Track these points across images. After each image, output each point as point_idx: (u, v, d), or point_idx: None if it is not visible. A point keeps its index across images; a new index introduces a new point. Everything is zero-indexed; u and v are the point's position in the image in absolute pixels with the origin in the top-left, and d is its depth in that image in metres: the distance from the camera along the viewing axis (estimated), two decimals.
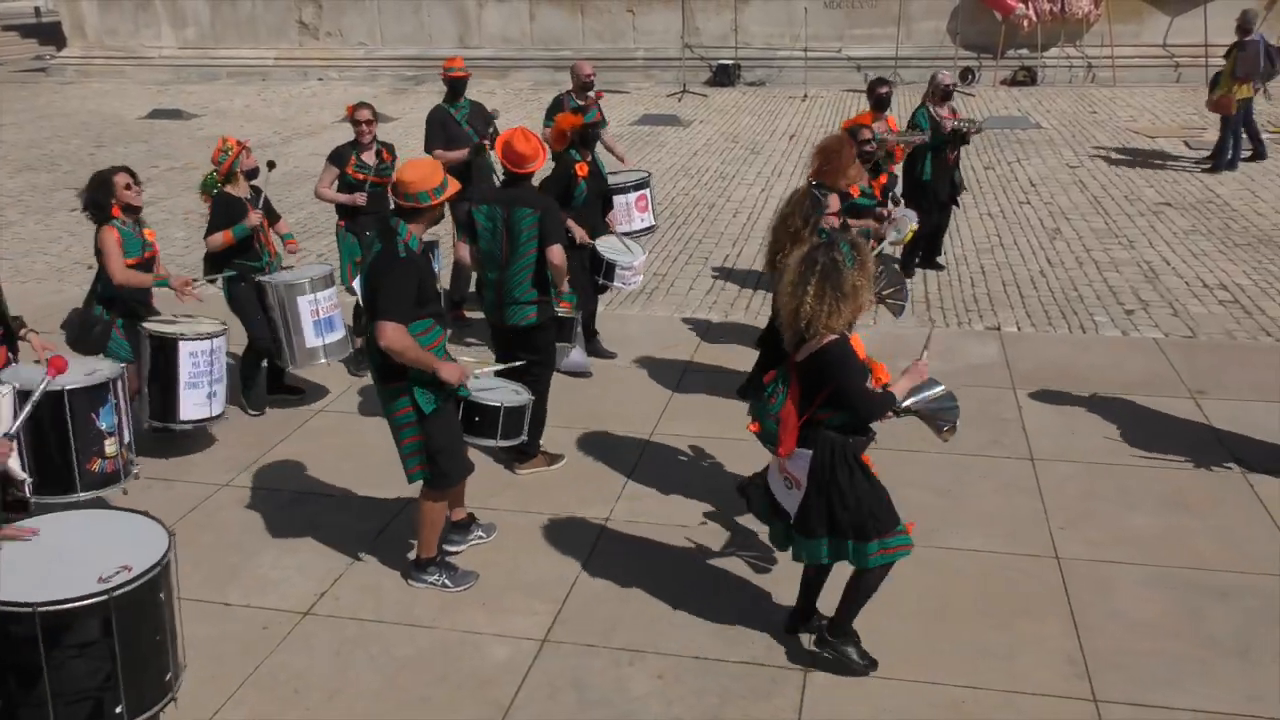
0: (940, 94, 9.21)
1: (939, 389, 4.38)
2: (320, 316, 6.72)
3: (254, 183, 6.84)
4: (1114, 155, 13.66)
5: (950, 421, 4.40)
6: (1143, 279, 9.10)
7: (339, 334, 6.87)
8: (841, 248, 3.99)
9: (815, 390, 4.00)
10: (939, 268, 9.44)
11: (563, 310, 6.47)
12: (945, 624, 4.65)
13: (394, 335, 4.50)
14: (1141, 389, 6.94)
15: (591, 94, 9.81)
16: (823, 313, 3.92)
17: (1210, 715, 4.09)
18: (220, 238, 6.62)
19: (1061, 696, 4.21)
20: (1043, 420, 6.56)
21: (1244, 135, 12.75)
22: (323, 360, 6.83)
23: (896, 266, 8.04)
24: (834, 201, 5.37)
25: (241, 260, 6.73)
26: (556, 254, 5.73)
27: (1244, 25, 12.60)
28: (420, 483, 4.88)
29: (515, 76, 21.34)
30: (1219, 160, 12.60)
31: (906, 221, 7.28)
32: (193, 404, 6.13)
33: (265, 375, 7.02)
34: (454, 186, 4.72)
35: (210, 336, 6.15)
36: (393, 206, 4.84)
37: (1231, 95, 12.41)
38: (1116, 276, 9.18)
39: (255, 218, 6.66)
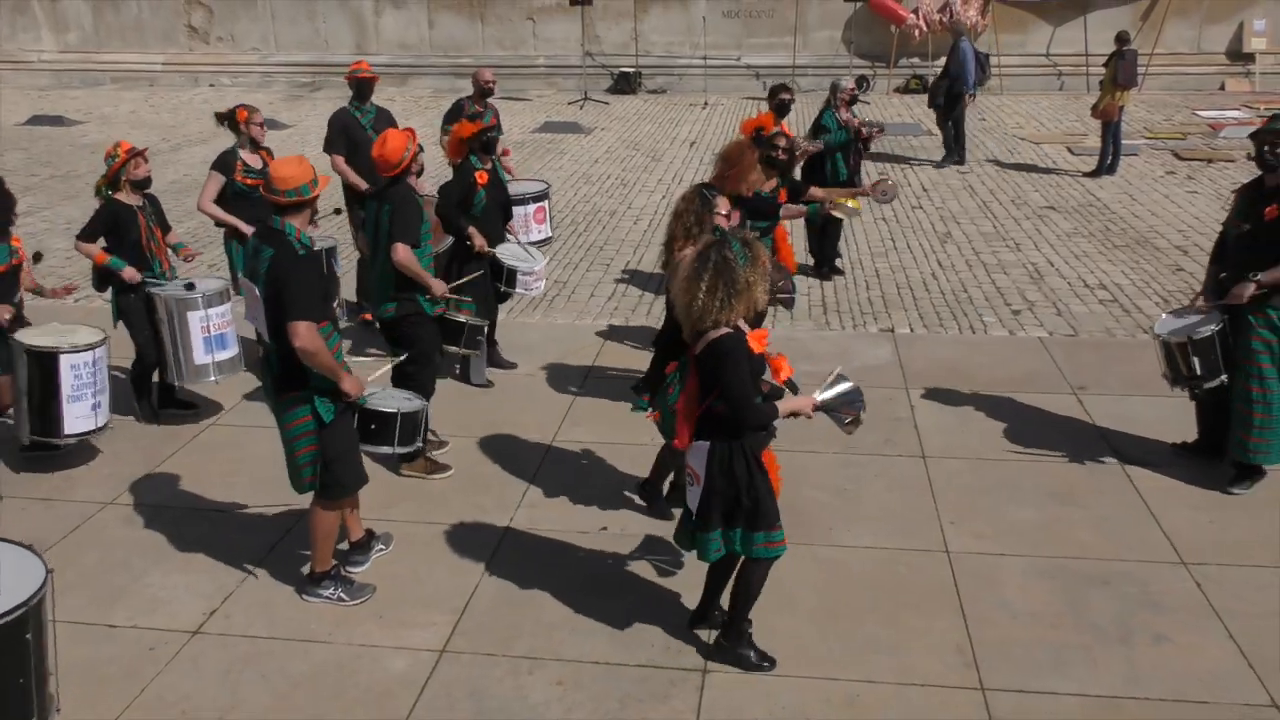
0: (843, 99, 9.45)
1: (846, 384, 4.30)
2: (211, 333, 6.51)
3: (148, 191, 6.63)
4: (1002, 161, 14.12)
5: (854, 414, 4.32)
6: (1029, 280, 9.42)
7: (231, 351, 6.66)
8: (733, 245, 4.03)
9: (712, 383, 4.03)
10: (839, 272, 9.62)
11: (462, 317, 6.44)
12: (840, 620, 4.73)
13: (307, 335, 4.40)
14: (1027, 386, 7.18)
15: (489, 100, 9.78)
16: (714, 307, 3.97)
17: (1093, 699, 4.25)
18: (94, 251, 6.40)
19: (951, 687, 4.32)
20: (934, 419, 6.73)
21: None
22: (212, 378, 6.62)
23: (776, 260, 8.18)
24: (722, 203, 5.43)
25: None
26: (396, 251, 5.74)
27: (1122, 37, 13.31)
28: (312, 495, 4.79)
29: (414, 83, 21.10)
30: (1102, 165, 13.15)
31: (892, 186, 7.49)
32: (76, 417, 5.94)
33: (157, 388, 6.81)
34: (315, 194, 4.61)
35: (91, 347, 5.95)
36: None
37: (1115, 102, 12.98)
38: (1004, 278, 9.48)
39: (132, 275, 6.43)
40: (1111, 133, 13.07)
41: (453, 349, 6.53)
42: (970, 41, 13.94)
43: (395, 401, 5.14)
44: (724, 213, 5.31)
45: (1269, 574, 5.03)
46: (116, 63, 22.55)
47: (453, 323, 6.35)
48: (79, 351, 5.89)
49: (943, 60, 20.01)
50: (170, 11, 22.39)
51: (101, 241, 6.47)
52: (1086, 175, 13.13)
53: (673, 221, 5.41)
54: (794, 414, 4.20)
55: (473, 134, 6.96)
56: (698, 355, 4.08)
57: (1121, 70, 12.96)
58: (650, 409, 4.56)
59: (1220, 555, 5.19)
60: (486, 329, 7.02)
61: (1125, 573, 5.07)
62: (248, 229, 7.18)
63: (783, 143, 7.23)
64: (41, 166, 14.81)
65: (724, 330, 4.00)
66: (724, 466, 4.07)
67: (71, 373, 5.87)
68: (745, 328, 4.10)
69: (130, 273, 6.44)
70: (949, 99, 13.99)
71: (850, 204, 8.16)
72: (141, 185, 6.55)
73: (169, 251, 6.81)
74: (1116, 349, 7.87)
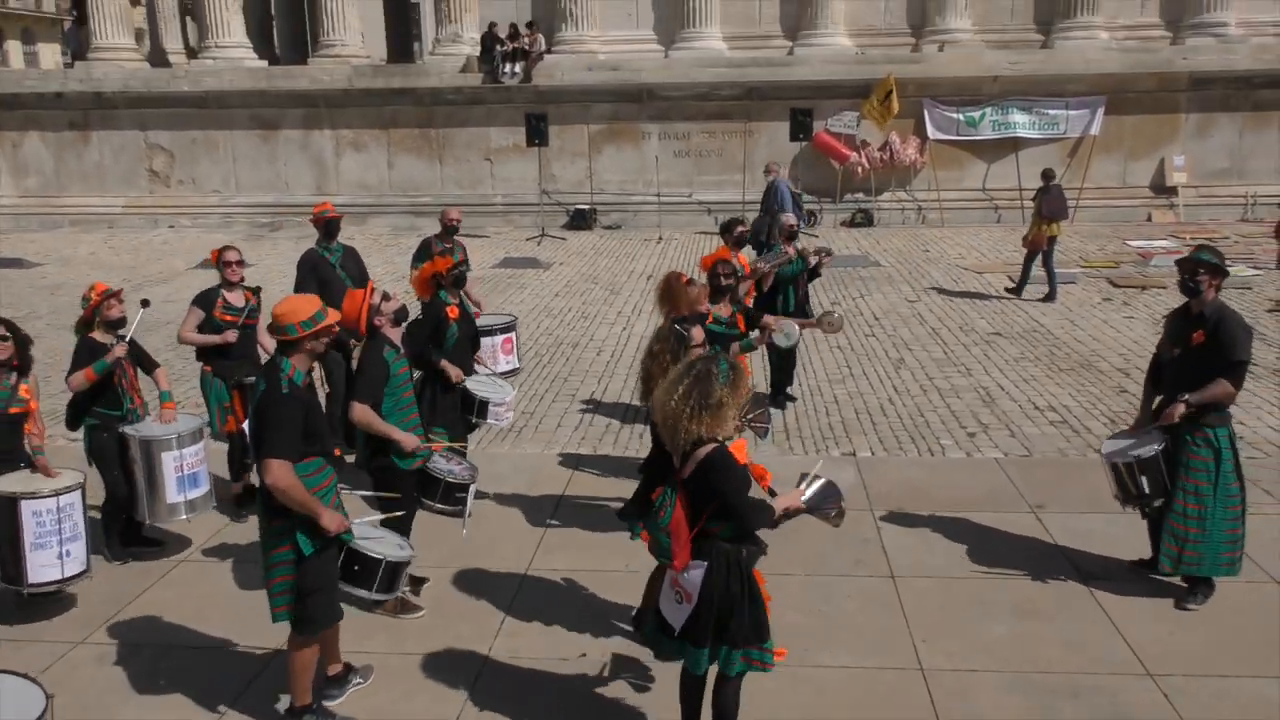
0: (786, 234, 9.78)
1: (820, 482, 4.41)
2: (185, 472, 6.50)
3: (121, 332, 6.66)
4: (947, 290, 14.69)
5: (837, 506, 4.43)
6: (981, 403, 9.74)
7: (203, 489, 6.66)
8: (721, 364, 4.16)
9: (703, 503, 4.11)
10: (789, 399, 9.85)
11: (441, 464, 6.44)
12: None
13: (279, 473, 4.48)
14: (988, 505, 7.39)
15: (456, 237, 10.11)
16: (685, 413, 4.04)
17: None
18: (81, 376, 6.43)
19: None
20: (900, 539, 6.89)
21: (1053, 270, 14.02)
22: (184, 516, 6.60)
23: (760, 392, 8.39)
24: (697, 333, 5.65)
25: (102, 409, 6.55)
26: (353, 410, 5.70)
27: (1047, 174, 14.39)
28: (288, 627, 4.80)
29: (374, 222, 21.55)
30: (1021, 286, 14.01)
31: (790, 325, 7.65)
32: (40, 565, 5.75)
33: (122, 524, 6.77)
34: (331, 318, 4.75)
35: (57, 494, 5.78)
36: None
37: (1044, 233, 13.76)
38: (958, 401, 9.80)
39: (120, 349, 6.51)
40: (1042, 261, 13.84)
41: (428, 502, 6.45)
42: (785, 181, 14.74)
43: (384, 546, 5.12)
44: (698, 342, 5.52)
45: (1232, 683, 5.18)
46: (76, 206, 22.85)
47: (432, 476, 6.31)
48: (42, 498, 5.73)
49: (886, 195, 21.01)
50: (132, 156, 22.85)
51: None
52: (1008, 291, 14.00)
53: (649, 361, 5.53)
54: (787, 512, 4.30)
55: (447, 269, 7.19)
56: (686, 477, 4.14)
57: (1046, 204, 13.84)
58: (638, 530, 4.64)
59: (1185, 666, 5.34)
60: (473, 488, 6.61)
61: (1095, 686, 5.19)
62: (223, 336, 7.30)
63: (724, 270, 7.50)
64: (3, 309, 14.79)
65: (709, 446, 4.07)
66: (720, 585, 4.12)
67: (33, 519, 5.70)
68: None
69: (120, 349, 6.51)
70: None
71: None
72: (115, 325, 6.60)
73: (165, 388, 6.82)
74: (1070, 468, 8.14)
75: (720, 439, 4.11)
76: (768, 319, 8.14)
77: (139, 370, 6.81)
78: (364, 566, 4.99)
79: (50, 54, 48.68)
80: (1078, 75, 20.33)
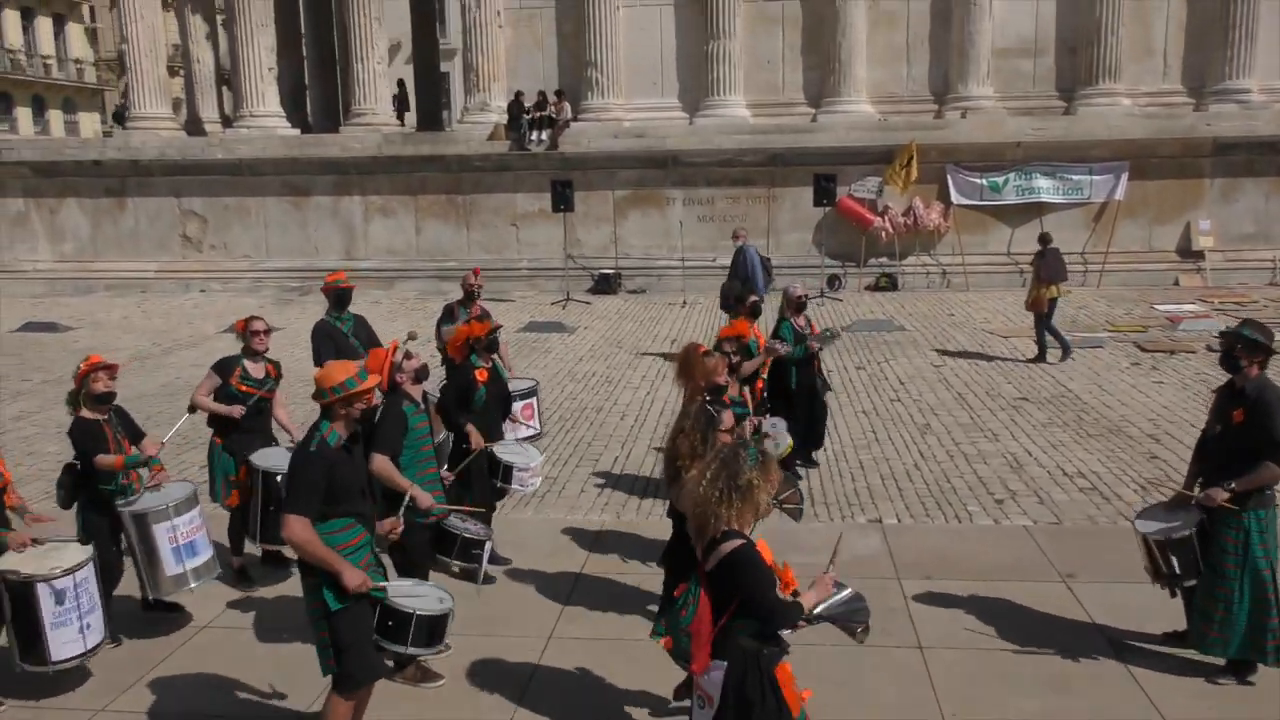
0: (794, 306, 9.68)
1: (847, 592, 4.36)
2: (180, 542, 6.41)
3: (116, 405, 6.55)
4: (973, 354, 14.62)
5: (863, 622, 4.38)
6: (1009, 469, 9.64)
7: (204, 556, 6.55)
8: (749, 449, 4.10)
9: (727, 599, 3.98)
10: (813, 463, 9.80)
11: (457, 523, 6.44)
12: None
13: (295, 528, 4.60)
14: (1016, 574, 7.27)
15: (479, 302, 10.21)
16: (714, 498, 3.96)
17: None
18: (110, 460, 6.31)
19: None
20: (927, 609, 6.78)
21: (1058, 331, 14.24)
22: (190, 586, 6.51)
23: (790, 473, 8.33)
24: (728, 418, 5.66)
25: (99, 484, 6.41)
26: (373, 461, 5.80)
27: (1044, 238, 14.69)
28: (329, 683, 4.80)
29: (401, 286, 21.79)
30: (1042, 353, 14.04)
31: (781, 433, 7.64)
32: (63, 643, 5.68)
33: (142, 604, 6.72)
34: (366, 384, 4.86)
35: (73, 569, 5.72)
36: None
37: (1043, 296, 13.96)
38: (985, 468, 9.70)
39: (152, 447, 6.48)
40: (1044, 324, 14.00)
41: (444, 559, 6.44)
42: (754, 248, 14.85)
43: (420, 601, 5.12)
44: (727, 426, 5.51)
45: None
46: (110, 271, 23.25)
47: (448, 532, 6.33)
48: (57, 578, 5.66)
49: (911, 259, 21.04)
50: (166, 223, 23.29)
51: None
52: (1029, 361, 13.97)
53: (677, 440, 5.49)
54: (810, 618, 4.15)
55: (483, 334, 7.28)
56: (710, 570, 4.02)
57: (1044, 267, 14.06)
58: (663, 635, 4.51)
59: None
60: (488, 545, 6.65)
61: None
62: (230, 410, 7.25)
63: (730, 347, 7.55)
64: (34, 372, 15.04)
65: (736, 541, 3.97)
66: (738, 689, 3.97)
67: (51, 599, 5.65)
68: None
69: (154, 447, 6.51)
70: (741, 302, 14.49)
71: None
72: (102, 400, 6.38)
73: (153, 454, 6.65)
74: (1100, 537, 8.01)
75: (748, 535, 4.02)
76: (755, 421, 8.04)
77: (131, 442, 6.62)
78: (397, 621, 5.02)
79: (90, 123, 49.90)
80: (1101, 141, 20.41)
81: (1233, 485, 5.65)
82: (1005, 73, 21.96)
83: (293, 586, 7.21)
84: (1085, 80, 21.58)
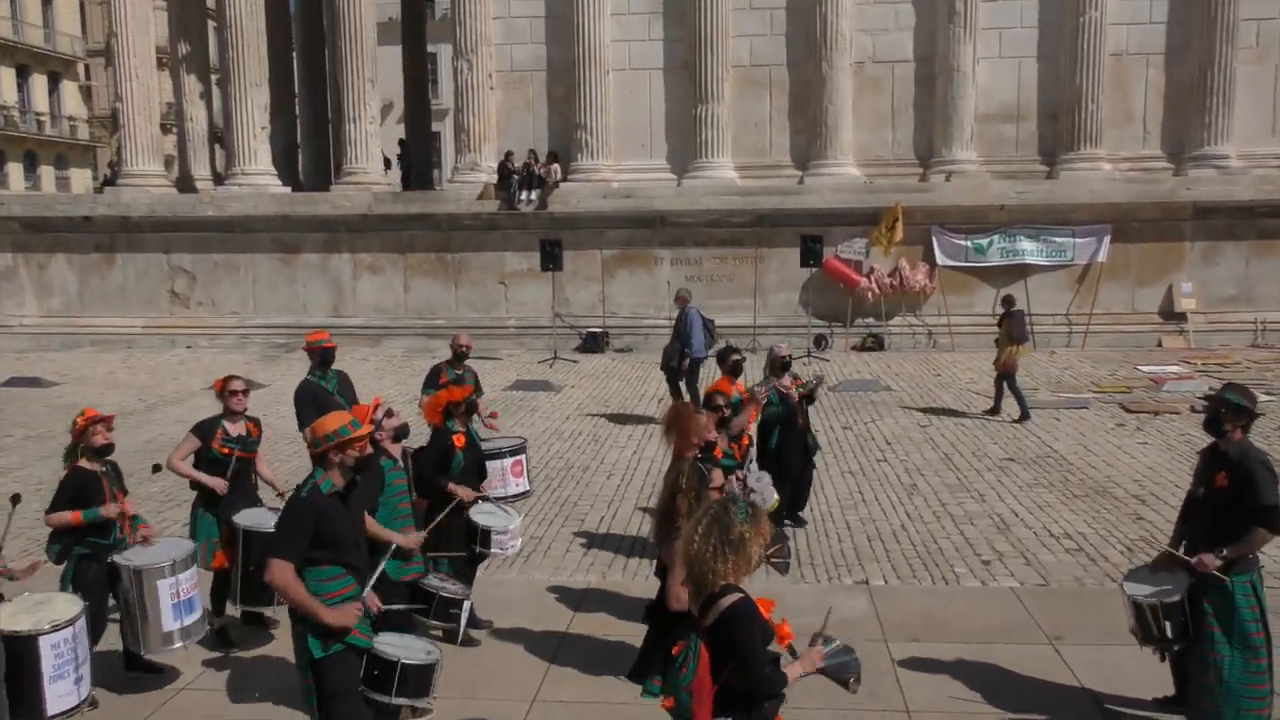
0: (779, 366, 9.67)
1: (838, 644, 4.33)
2: (181, 598, 6.37)
3: (110, 459, 6.57)
4: (959, 414, 14.66)
5: (855, 673, 4.34)
6: (996, 530, 9.62)
7: (197, 614, 6.52)
8: (738, 504, 4.11)
9: (726, 655, 3.95)
10: (801, 522, 9.77)
11: (435, 581, 6.37)
12: None
13: (277, 571, 4.63)
14: (1004, 637, 7.22)
15: (466, 362, 10.23)
16: (709, 553, 3.96)
17: None
18: (67, 517, 6.29)
19: None
20: (915, 672, 6.72)
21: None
22: (179, 644, 6.44)
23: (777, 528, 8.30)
24: (717, 476, 5.66)
25: (93, 538, 6.40)
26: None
27: (1007, 300, 15.25)
28: None
29: (388, 344, 21.80)
30: (997, 407, 14.54)
31: (768, 487, 7.63)
32: (59, 695, 5.58)
33: (124, 652, 6.63)
34: (358, 432, 4.89)
35: (70, 622, 5.65)
36: None
37: (1014, 356, 14.39)
38: (972, 529, 9.68)
39: (112, 509, 6.37)
40: (1013, 383, 14.37)
41: (422, 619, 6.36)
42: (696, 309, 15.02)
43: (407, 651, 5.09)
44: (717, 485, 5.51)
45: None
46: (97, 326, 23.21)
47: (424, 592, 6.28)
48: (59, 629, 5.59)
49: (897, 319, 21.18)
50: (155, 279, 23.31)
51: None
52: (986, 414, 14.37)
53: (676, 498, 5.47)
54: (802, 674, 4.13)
55: (461, 399, 7.26)
56: (710, 625, 4.00)
57: (1015, 327, 14.51)
58: (662, 694, 4.46)
59: None
60: (467, 604, 6.68)
61: None
62: (214, 483, 7.20)
63: (721, 400, 7.59)
64: (16, 427, 14.93)
65: (735, 596, 3.96)
66: None
67: (53, 653, 5.57)
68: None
69: (110, 509, 6.38)
70: (690, 364, 14.70)
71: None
72: (101, 453, 6.43)
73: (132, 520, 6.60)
74: (1088, 598, 7.98)
75: (745, 590, 4.00)
76: (739, 474, 8.05)
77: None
78: (383, 671, 5.00)
79: (81, 179, 50.13)
80: (1083, 204, 20.71)
81: (1225, 553, 5.63)
82: (988, 137, 22.32)
83: (272, 648, 7.14)
84: (1067, 145, 21.94)
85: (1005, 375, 14.42)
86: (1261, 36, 21.57)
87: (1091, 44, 21.43)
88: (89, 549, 6.42)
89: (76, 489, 6.36)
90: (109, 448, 6.46)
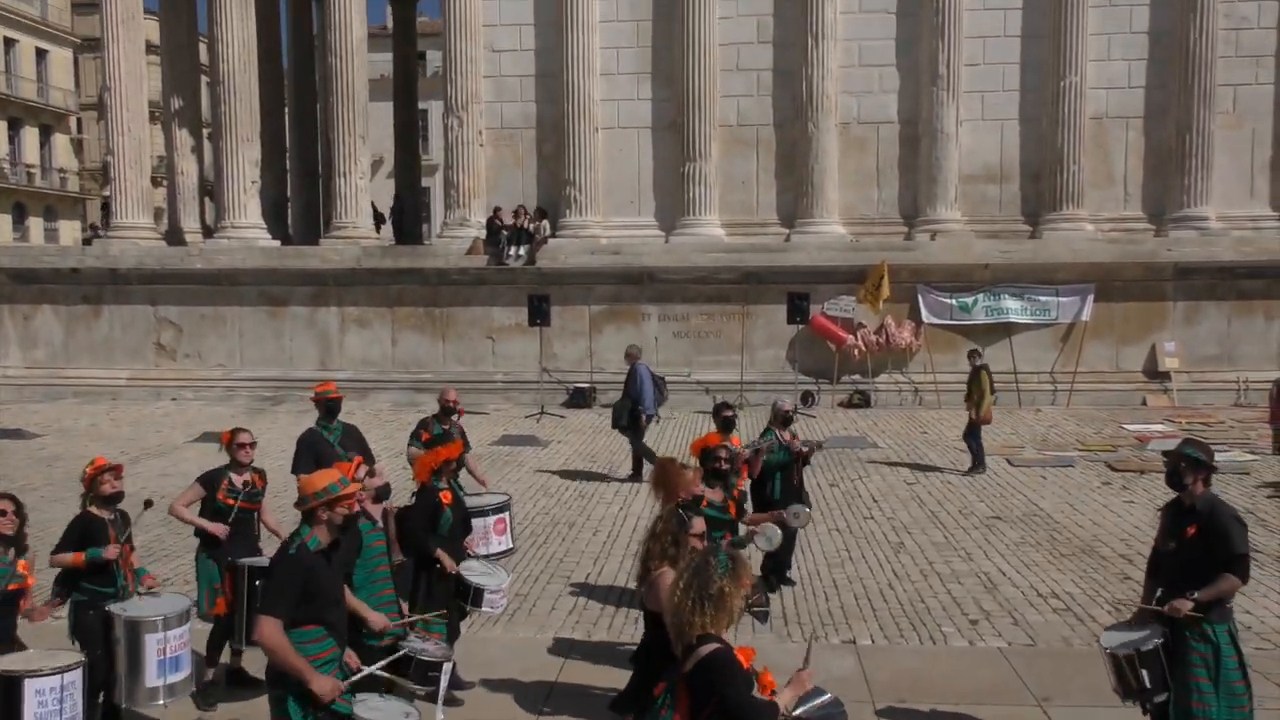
0: (781, 419, 9.90)
1: (826, 696, 4.39)
2: (167, 655, 6.28)
3: (121, 507, 6.64)
4: (945, 472, 14.67)
5: None
6: (983, 589, 9.59)
7: (184, 673, 6.40)
8: (719, 556, 4.15)
9: (704, 701, 3.99)
10: (789, 582, 9.73)
11: (416, 640, 6.29)
12: None
13: (267, 630, 4.57)
14: (992, 698, 7.17)
15: (454, 417, 10.20)
16: (688, 607, 4.02)
17: None
18: (69, 558, 6.36)
19: None
20: None
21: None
22: (161, 702, 6.35)
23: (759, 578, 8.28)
24: (698, 524, 5.67)
25: (94, 586, 6.42)
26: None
27: (977, 353, 15.54)
28: None
29: (375, 398, 21.73)
30: (980, 461, 14.66)
31: (775, 531, 7.64)
32: None
33: (102, 708, 6.53)
34: (347, 490, 4.90)
35: (61, 671, 5.55)
36: None
37: (989, 409, 14.72)
38: (959, 587, 9.64)
39: (112, 551, 6.40)
40: (975, 436, 14.57)
41: (403, 682, 6.25)
42: (646, 366, 15.13)
43: (386, 716, 5.01)
44: (698, 532, 5.52)
45: None
46: (81, 378, 23.10)
47: (403, 655, 6.16)
48: (44, 676, 5.48)
49: (883, 376, 21.25)
50: (141, 331, 23.26)
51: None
52: (965, 474, 14.40)
53: (650, 541, 5.54)
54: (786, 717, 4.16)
55: (450, 459, 7.25)
56: (688, 672, 4.05)
57: (990, 381, 14.85)
58: None
59: None
60: (448, 665, 6.45)
61: None
62: (215, 529, 7.24)
63: (723, 454, 7.61)
64: None
65: (713, 645, 4.00)
66: None
67: (36, 699, 5.45)
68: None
69: (112, 550, 6.39)
70: (633, 420, 14.71)
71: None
72: (110, 501, 6.56)
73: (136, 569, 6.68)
74: (1076, 659, 7.94)
75: (725, 640, 4.03)
76: (753, 517, 8.10)
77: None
78: None
79: (70, 231, 50.17)
80: (1066, 264, 20.96)
81: (1195, 595, 5.68)
82: (972, 197, 22.61)
83: (248, 710, 7.02)
84: (1049, 205, 22.24)
85: (975, 427, 14.58)
86: (1238, 102, 22.04)
87: (1072, 107, 21.84)
88: (86, 596, 6.43)
89: (81, 532, 6.46)
90: (118, 496, 6.60)
